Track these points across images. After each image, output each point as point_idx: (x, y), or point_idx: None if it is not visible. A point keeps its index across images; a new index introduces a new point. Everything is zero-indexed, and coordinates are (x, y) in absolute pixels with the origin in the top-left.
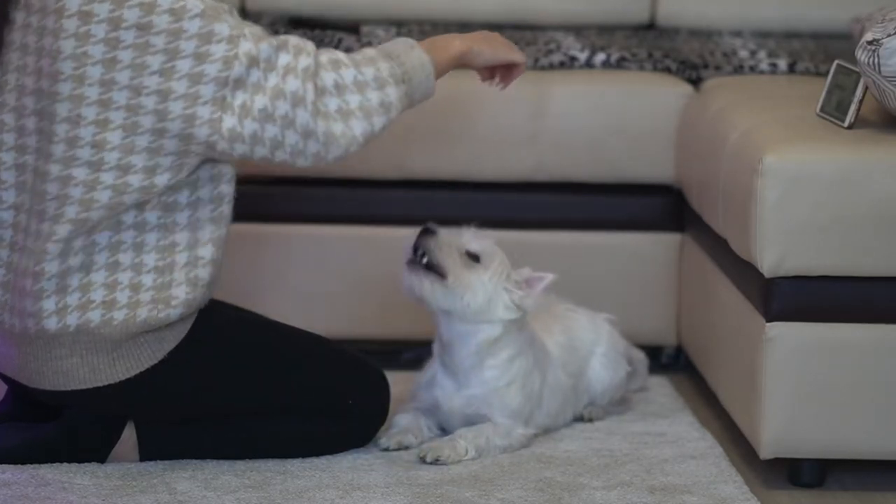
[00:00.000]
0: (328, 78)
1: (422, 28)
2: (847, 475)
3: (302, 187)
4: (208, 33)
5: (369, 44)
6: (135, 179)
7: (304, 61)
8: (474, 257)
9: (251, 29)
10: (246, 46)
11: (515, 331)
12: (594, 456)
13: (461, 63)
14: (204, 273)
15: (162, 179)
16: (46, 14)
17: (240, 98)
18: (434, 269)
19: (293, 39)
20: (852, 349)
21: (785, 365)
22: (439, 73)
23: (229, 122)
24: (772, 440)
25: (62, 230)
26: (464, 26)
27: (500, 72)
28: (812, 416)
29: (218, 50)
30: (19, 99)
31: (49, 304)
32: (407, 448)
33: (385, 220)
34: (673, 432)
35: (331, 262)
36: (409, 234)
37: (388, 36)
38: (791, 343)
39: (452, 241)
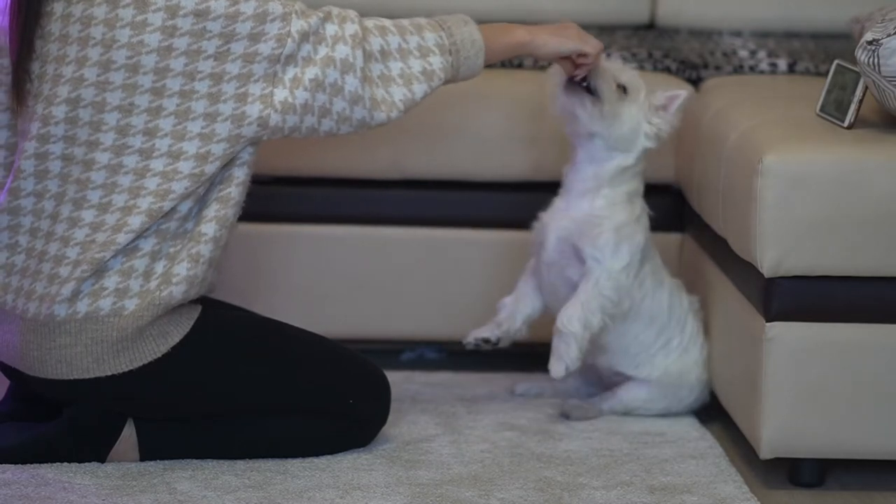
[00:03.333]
0: (375, 43)
1: None
2: (847, 475)
3: (302, 187)
4: (263, 13)
5: None
6: (185, 166)
7: (351, 28)
8: (623, 88)
9: (298, 4)
10: (298, 24)
11: (636, 173)
12: (594, 456)
13: (523, 52)
14: (205, 250)
15: (212, 168)
16: (94, 4)
17: (290, 72)
18: (592, 93)
19: (335, 9)
20: (852, 349)
21: (785, 365)
22: (493, 56)
23: (280, 94)
24: (772, 440)
25: (111, 219)
26: None
27: (573, 61)
28: (812, 416)
29: (272, 28)
30: (52, 88)
31: (66, 290)
32: (487, 341)
33: (385, 220)
34: (673, 432)
35: (331, 262)
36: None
37: None
38: (791, 343)
39: (609, 70)
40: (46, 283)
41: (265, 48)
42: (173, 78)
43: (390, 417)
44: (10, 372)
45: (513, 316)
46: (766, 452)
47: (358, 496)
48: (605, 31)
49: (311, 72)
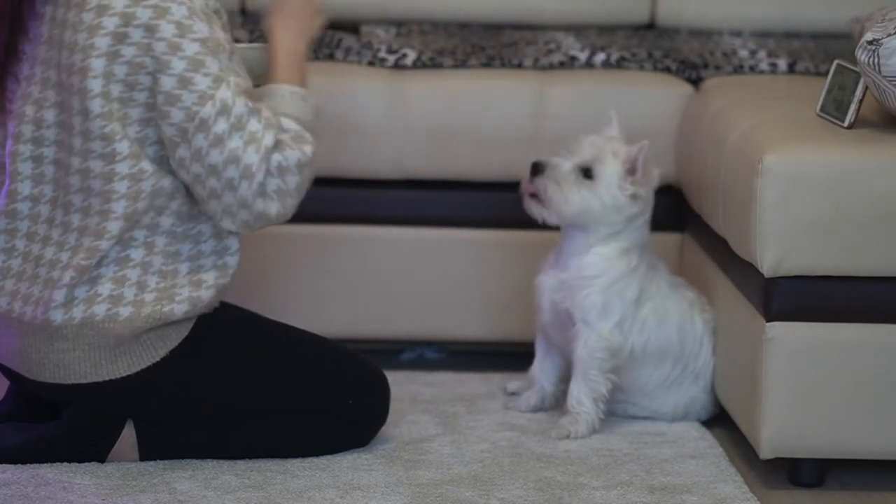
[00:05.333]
0: (274, 160)
1: (421, 28)
2: (847, 475)
3: None
4: (200, 62)
5: (369, 44)
6: (147, 165)
7: (270, 138)
8: (587, 170)
9: (237, 79)
10: (225, 93)
11: (636, 227)
12: (594, 455)
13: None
14: (209, 276)
15: (148, 167)
16: (70, 7)
17: (199, 141)
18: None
19: (266, 111)
20: (852, 349)
21: (785, 365)
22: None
23: (182, 152)
24: (771, 440)
25: (92, 223)
26: (464, 26)
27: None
28: (812, 416)
29: (202, 82)
30: (42, 91)
31: (59, 295)
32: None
33: (385, 220)
34: (673, 432)
35: (331, 262)
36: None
37: (387, 36)
38: (791, 343)
39: (561, 167)
40: (42, 288)
41: (188, 98)
42: (115, 83)
43: (390, 417)
44: (10, 374)
45: (541, 387)
46: (766, 452)
47: (358, 496)
48: (605, 30)
49: (214, 157)
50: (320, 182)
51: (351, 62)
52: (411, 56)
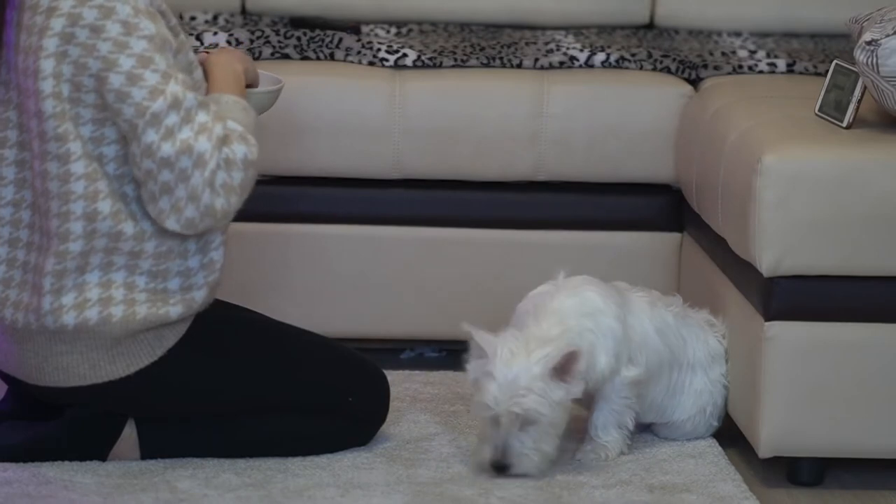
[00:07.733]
0: (223, 152)
1: (421, 28)
2: (846, 474)
3: (302, 187)
4: (149, 59)
5: (369, 44)
6: (108, 167)
7: (220, 129)
8: (524, 420)
9: (183, 76)
10: (175, 87)
11: (593, 331)
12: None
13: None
14: (198, 278)
15: (113, 168)
16: (25, 11)
17: (150, 136)
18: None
19: (214, 106)
20: (852, 349)
21: (784, 364)
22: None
23: (133, 149)
24: (771, 439)
25: (53, 225)
26: (464, 26)
27: None
28: (811, 416)
29: (151, 78)
30: (19, 97)
31: (45, 303)
32: None
33: (385, 220)
34: None
35: (331, 262)
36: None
37: (387, 36)
38: (790, 342)
39: (514, 450)
40: (30, 294)
41: (138, 94)
42: (64, 83)
43: (390, 416)
44: (10, 379)
45: None
46: (764, 451)
47: (358, 494)
48: (604, 31)
49: (167, 150)
50: (320, 182)
51: (351, 62)
52: (411, 56)
